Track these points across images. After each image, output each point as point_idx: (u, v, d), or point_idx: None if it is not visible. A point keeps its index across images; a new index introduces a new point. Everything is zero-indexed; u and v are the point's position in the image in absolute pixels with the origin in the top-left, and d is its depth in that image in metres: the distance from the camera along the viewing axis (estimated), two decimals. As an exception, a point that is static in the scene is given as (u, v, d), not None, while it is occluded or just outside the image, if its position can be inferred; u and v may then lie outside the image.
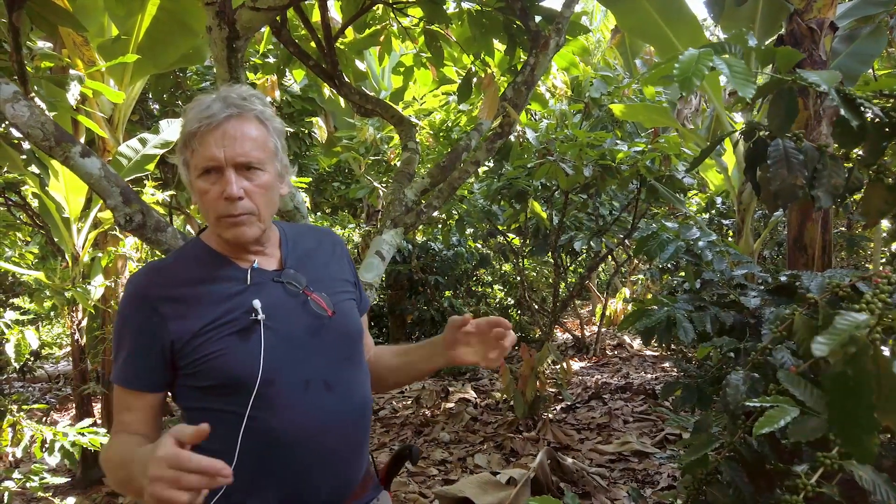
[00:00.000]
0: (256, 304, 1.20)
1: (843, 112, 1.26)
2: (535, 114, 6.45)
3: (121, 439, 1.20)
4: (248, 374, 1.16)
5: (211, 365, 1.17)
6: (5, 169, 4.31)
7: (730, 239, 5.59)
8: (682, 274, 2.18)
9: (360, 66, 4.61)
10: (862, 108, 1.30)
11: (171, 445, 0.93)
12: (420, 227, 6.28)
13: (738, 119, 5.79)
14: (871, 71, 4.06)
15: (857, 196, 1.50)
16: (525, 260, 8.24)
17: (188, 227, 7.12)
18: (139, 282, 1.23)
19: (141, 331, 1.19)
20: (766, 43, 3.56)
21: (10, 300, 6.63)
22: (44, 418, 5.76)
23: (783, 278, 1.80)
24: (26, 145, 4.01)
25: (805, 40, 2.89)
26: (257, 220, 1.22)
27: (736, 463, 1.25)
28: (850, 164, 1.45)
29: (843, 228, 5.92)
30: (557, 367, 5.53)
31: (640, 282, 9.66)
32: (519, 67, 3.42)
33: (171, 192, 5.37)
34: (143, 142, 4.53)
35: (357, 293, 1.43)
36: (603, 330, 7.90)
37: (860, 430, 0.80)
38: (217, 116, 1.16)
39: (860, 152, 1.42)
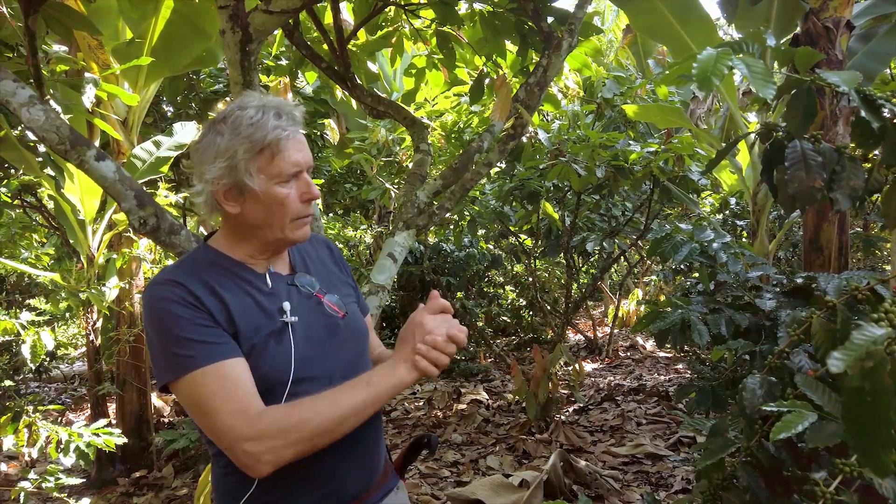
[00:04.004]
0: (286, 306, 1.26)
1: (863, 113, 1.24)
2: (548, 114, 6.43)
3: (300, 403, 1.16)
4: (281, 374, 1.21)
5: (252, 367, 1.19)
6: (21, 171, 4.35)
7: (744, 240, 5.55)
8: (696, 275, 2.16)
9: (372, 67, 4.62)
10: (882, 109, 1.28)
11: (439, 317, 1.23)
12: (432, 228, 6.28)
13: (752, 119, 5.75)
14: (888, 70, 4.02)
15: (874, 197, 1.48)
16: (537, 261, 8.22)
17: (201, 230, 7.16)
18: (169, 277, 1.21)
19: (198, 308, 1.17)
20: (782, 42, 3.53)
21: (27, 301, 6.70)
22: (59, 419, 5.81)
23: (799, 280, 1.78)
24: (42, 148, 4.05)
25: (821, 39, 2.86)
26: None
27: (752, 468, 1.23)
28: (869, 165, 1.43)
29: (859, 229, 5.87)
30: (570, 368, 5.51)
31: (652, 283, 9.61)
32: (531, 68, 3.41)
33: (185, 195, 5.40)
34: (157, 144, 4.56)
35: (356, 296, 1.48)
36: (615, 331, 7.86)
37: (877, 445, 0.79)
38: (293, 127, 1.23)
39: (879, 153, 1.40)
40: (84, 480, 4.39)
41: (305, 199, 1.25)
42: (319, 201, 6.11)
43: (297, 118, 1.25)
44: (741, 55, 1.27)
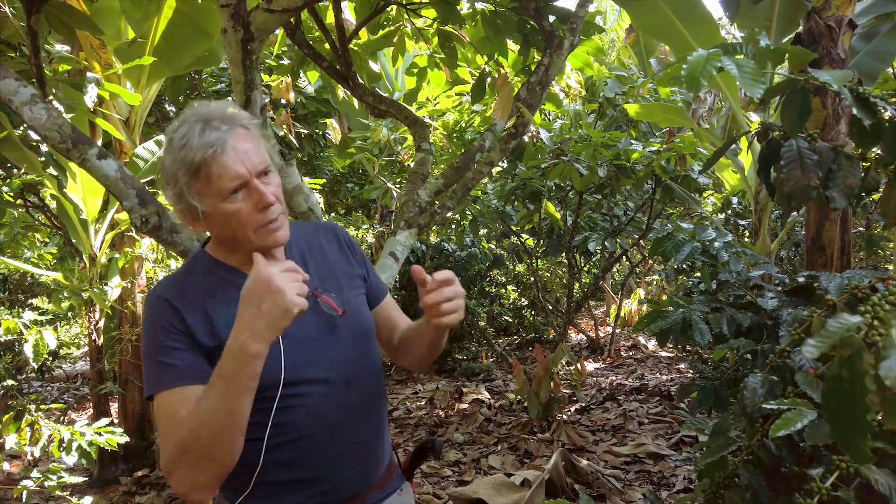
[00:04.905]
0: None
1: (855, 111, 1.24)
2: (549, 114, 6.43)
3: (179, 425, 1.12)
4: (271, 380, 1.18)
5: None
6: (24, 171, 4.36)
7: (746, 239, 5.55)
8: (698, 275, 2.16)
9: (374, 67, 4.62)
10: (877, 107, 1.28)
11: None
12: (433, 227, 6.28)
13: (755, 118, 5.74)
14: (890, 69, 4.01)
15: (877, 195, 1.48)
16: (539, 260, 8.21)
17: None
18: (160, 293, 1.23)
19: (177, 329, 1.19)
20: (784, 41, 3.53)
21: (29, 300, 6.71)
22: (61, 418, 5.83)
23: (801, 279, 1.78)
24: (44, 147, 4.07)
25: (823, 38, 2.85)
26: (285, 218, 1.25)
27: (754, 466, 1.23)
28: (868, 164, 1.43)
29: (861, 228, 5.86)
30: (571, 368, 5.51)
31: (654, 282, 9.61)
32: (533, 68, 3.41)
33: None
34: (160, 144, 4.56)
35: (365, 285, 1.44)
36: (617, 331, 7.86)
37: (855, 432, 0.80)
38: (224, 136, 1.15)
39: (878, 151, 1.40)
40: (86, 479, 4.41)
41: (260, 207, 1.18)
42: (321, 199, 6.12)
43: (233, 121, 1.19)
44: (734, 56, 1.28)
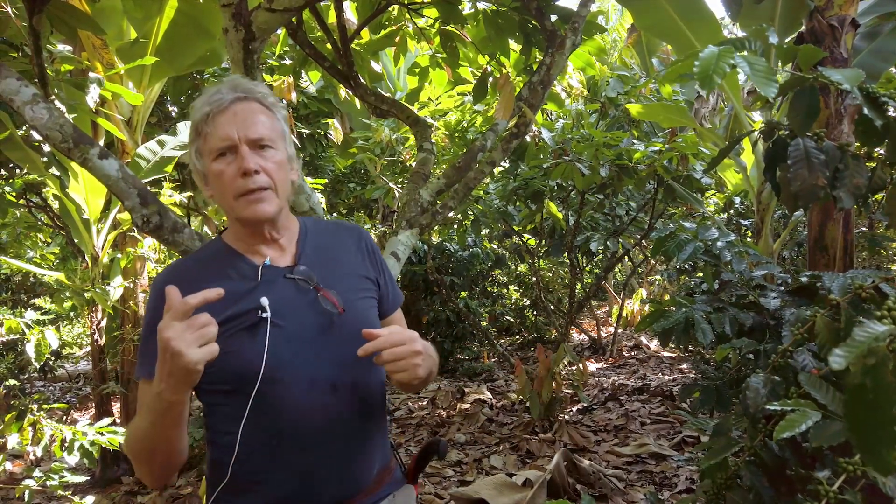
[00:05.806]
0: (264, 301, 1.21)
1: (866, 111, 1.23)
2: (551, 114, 6.42)
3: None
4: (251, 372, 1.17)
5: (220, 363, 1.13)
6: (26, 171, 4.37)
7: (749, 239, 5.54)
8: (700, 275, 2.15)
9: (376, 67, 4.63)
10: (885, 107, 1.27)
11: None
12: (435, 227, 6.28)
13: (757, 118, 5.73)
14: (893, 69, 4.00)
15: (879, 196, 1.47)
16: (541, 260, 8.21)
17: (206, 229, 7.17)
18: (159, 280, 1.25)
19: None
20: (787, 41, 3.52)
21: (31, 300, 6.72)
22: (64, 417, 5.83)
23: (804, 279, 1.77)
24: (46, 147, 4.07)
25: (826, 38, 2.84)
26: (274, 196, 1.24)
27: (756, 467, 1.23)
28: (873, 164, 1.42)
29: (864, 228, 5.85)
30: (573, 368, 5.50)
31: (657, 282, 9.60)
32: (535, 67, 3.40)
33: (189, 194, 5.42)
34: (162, 144, 4.56)
35: (378, 291, 1.39)
36: (619, 331, 7.85)
37: (879, 443, 0.79)
38: (226, 98, 1.22)
39: (883, 151, 1.39)
40: (88, 479, 4.40)
41: (240, 173, 1.20)
42: (323, 199, 6.12)
43: (247, 91, 1.24)
44: (743, 53, 1.26)
